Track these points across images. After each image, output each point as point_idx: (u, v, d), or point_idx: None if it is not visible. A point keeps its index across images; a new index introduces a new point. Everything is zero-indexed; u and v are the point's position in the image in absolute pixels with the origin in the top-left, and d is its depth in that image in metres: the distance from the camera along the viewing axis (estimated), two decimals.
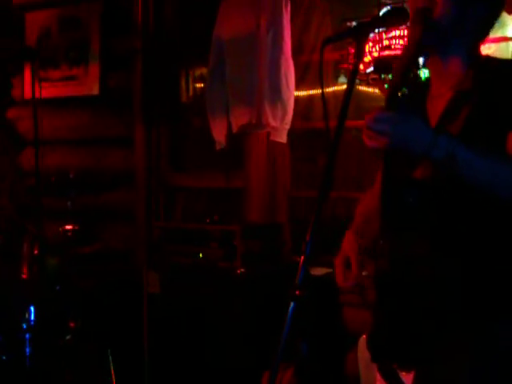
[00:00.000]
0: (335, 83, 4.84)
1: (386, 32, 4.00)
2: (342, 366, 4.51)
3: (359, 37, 2.11)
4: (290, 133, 4.70)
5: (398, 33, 4.03)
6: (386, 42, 4.04)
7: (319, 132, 4.94)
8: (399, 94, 2.24)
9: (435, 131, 2.07)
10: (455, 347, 2.21)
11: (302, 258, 1.99)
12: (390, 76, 4.06)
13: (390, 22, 2.19)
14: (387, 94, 2.30)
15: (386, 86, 4.15)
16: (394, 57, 3.94)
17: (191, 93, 5.67)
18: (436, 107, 2.29)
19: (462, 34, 2.25)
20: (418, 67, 2.42)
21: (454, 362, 2.21)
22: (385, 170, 2.41)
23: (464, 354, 2.19)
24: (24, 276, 4.51)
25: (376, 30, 3.86)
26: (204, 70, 5.37)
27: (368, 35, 2.14)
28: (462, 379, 2.18)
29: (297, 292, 1.95)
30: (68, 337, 4.64)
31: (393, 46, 4.01)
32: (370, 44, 3.95)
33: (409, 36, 2.38)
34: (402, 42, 4.01)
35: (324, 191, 2.02)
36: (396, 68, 2.30)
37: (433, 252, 2.19)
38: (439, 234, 2.20)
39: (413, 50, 2.25)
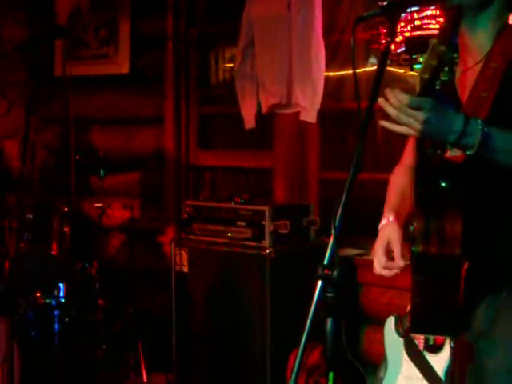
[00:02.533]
0: (366, 63, 4.81)
1: (417, 12, 3.96)
2: (358, 344, 4.54)
3: (392, 15, 2.09)
4: (320, 113, 4.68)
5: (429, 13, 3.99)
6: (417, 22, 4.00)
7: (349, 112, 4.92)
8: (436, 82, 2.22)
9: (466, 118, 2.06)
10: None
11: (331, 237, 1.99)
12: (421, 57, 4.03)
13: (423, 0, 2.18)
14: (422, 79, 2.28)
15: (416, 66, 4.13)
16: (426, 37, 3.91)
17: (221, 73, 5.66)
18: (465, 82, 2.29)
19: (488, 6, 2.24)
20: (455, 50, 2.39)
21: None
22: (418, 153, 2.39)
23: None
24: (53, 252, 4.55)
25: (408, 10, 3.83)
26: (233, 51, 5.36)
27: (401, 14, 2.13)
28: None
29: (325, 271, 1.95)
30: (97, 314, 4.68)
31: (424, 26, 3.97)
32: (402, 24, 3.91)
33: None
34: (433, 22, 3.97)
35: (354, 172, 2.01)
36: (428, 60, 2.28)
37: (467, 234, 2.20)
38: (473, 217, 2.20)
39: (445, 45, 2.24)
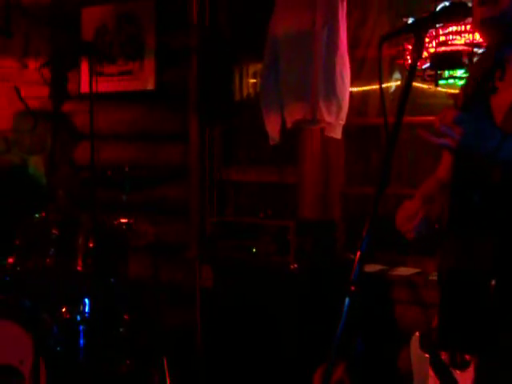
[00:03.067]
0: (390, 79, 4.81)
1: (442, 28, 3.96)
2: (395, 362, 4.50)
3: (419, 32, 2.10)
4: (345, 129, 4.68)
5: (454, 28, 3.99)
6: (442, 38, 4.00)
7: (373, 128, 4.92)
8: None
9: (503, 133, 2.06)
10: None
11: (358, 254, 1.99)
12: (447, 72, 4.03)
13: (450, 17, 2.18)
14: (460, 100, 2.27)
15: (440, 81, 4.12)
16: (451, 52, 3.90)
17: (245, 89, 5.67)
18: (500, 101, 2.28)
19: None
20: (493, 80, 2.38)
21: None
22: (454, 167, 2.39)
23: None
24: (79, 268, 4.57)
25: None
26: (258, 67, 5.38)
27: (428, 30, 2.14)
28: None
29: (352, 288, 1.95)
30: (122, 329, 4.69)
31: (449, 42, 3.97)
32: (427, 40, 3.91)
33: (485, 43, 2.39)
34: (458, 37, 3.97)
35: (381, 187, 2.01)
36: (472, 76, 2.28)
37: (498, 251, 2.18)
38: (505, 233, 2.18)
39: (490, 63, 2.25)
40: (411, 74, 2.18)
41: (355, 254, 1.99)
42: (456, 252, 2.27)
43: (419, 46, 2.13)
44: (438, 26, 3.86)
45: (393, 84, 4.79)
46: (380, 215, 2.07)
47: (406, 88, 2.13)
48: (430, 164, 2.86)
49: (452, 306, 2.33)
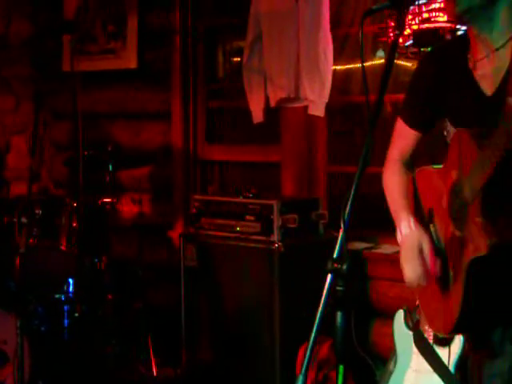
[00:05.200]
0: (374, 57, 4.80)
1: (425, 4, 3.95)
2: (367, 338, 4.54)
3: (401, 8, 2.09)
4: (328, 107, 4.68)
5: (437, 5, 3.97)
6: (425, 15, 3.98)
7: (356, 106, 4.92)
8: None
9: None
10: None
11: (340, 231, 1.99)
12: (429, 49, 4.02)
13: None
14: None
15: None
16: (434, 29, 3.89)
17: (228, 67, 5.67)
18: (483, 70, 2.29)
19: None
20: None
21: None
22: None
23: None
24: (63, 248, 4.56)
25: (416, 2, 3.81)
26: (241, 45, 5.36)
27: (409, 7, 2.13)
28: None
29: (334, 265, 1.95)
30: (106, 309, 4.69)
31: (433, 19, 3.96)
32: (410, 17, 3.90)
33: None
34: (441, 14, 3.95)
35: (362, 166, 2.01)
36: None
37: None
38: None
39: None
40: (393, 50, 2.18)
41: (338, 232, 2.00)
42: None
43: (401, 23, 2.12)
44: (421, 2, 3.86)
45: (376, 62, 4.79)
46: (365, 194, 2.07)
47: (387, 65, 2.12)
48: None
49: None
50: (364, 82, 2.18)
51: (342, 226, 1.98)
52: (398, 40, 2.15)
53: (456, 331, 2.44)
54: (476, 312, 2.22)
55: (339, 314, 1.98)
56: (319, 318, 1.93)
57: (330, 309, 1.96)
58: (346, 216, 1.98)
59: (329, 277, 1.96)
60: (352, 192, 1.99)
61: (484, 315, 2.25)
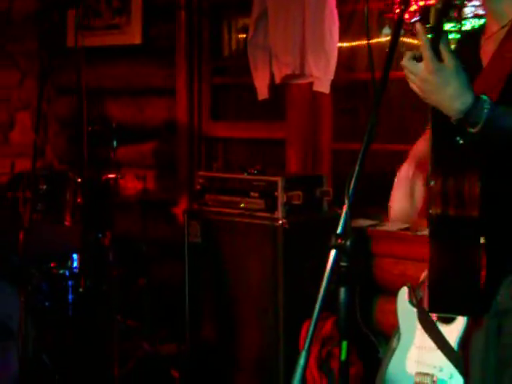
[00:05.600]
0: (379, 34, 4.78)
1: None
2: (370, 314, 4.55)
3: None
4: (333, 84, 4.66)
5: None
6: None
7: (361, 83, 4.90)
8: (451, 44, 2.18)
9: (475, 96, 2.06)
10: None
11: (344, 207, 1.99)
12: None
13: None
14: (432, 23, 2.24)
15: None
16: None
17: (233, 44, 5.65)
18: (488, 48, 2.28)
19: None
20: None
21: None
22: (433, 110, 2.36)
23: None
24: (67, 223, 4.56)
25: None
26: (246, 21, 5.34)
27: None
28: None
29: (338, 240, 1.95)
30: (110, 284, 4.70)
31: None
32: None
33: None
34: None
35: (367, 142, 2.01)
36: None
37: (483, 193, 2.17)
38: (490, 175, 2.17)
39: None
40: (398, 27, 2.16)
41: (342, 209, 1.99)
42: (442, 198, 2.24)
43: None
44: None
45: (382, 39, 4.76)
46: (369, 171, 2.06)
47: (392, 42, 2.11)
48: (420, 119, 2.84)
49: (441, 261, 2.31)
50: (370, 59, 2.17)
51: (346, 202, 1.98)
52: (403, 16, 2.14)
53: (432, 310, 2.49)
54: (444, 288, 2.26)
55: (343, 290, 1.98)
56: (323, 294, 1.93)
57: (334, 285, 1.96)
58: (350, 192, 1.98)
59: (332, 252, 1.96)
60: (356, 168, 1.99)
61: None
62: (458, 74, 2.07)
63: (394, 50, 2.08)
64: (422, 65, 2.08)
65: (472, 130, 2.08)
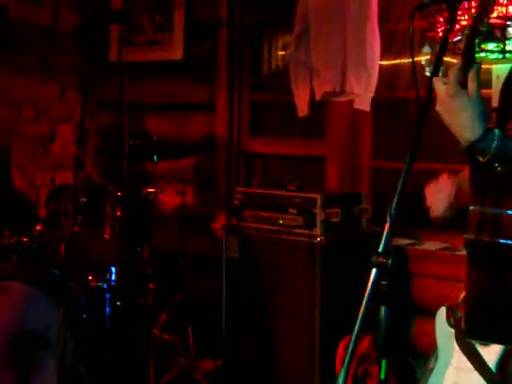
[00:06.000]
0: (420, 53, 4.76)
1: (475, 0, 3.91)
2: (408, 334, 4.52)
3: (453, 2, 2.07)
4: (373, 101, 4.66)
5: None
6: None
7: (401, 102, 4.89)
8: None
9: (486, 128, 2.06)
10: None
11: (386, 225, 1.98)
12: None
13: None
14: (462, 50, 2.24)
15: None
16: None
17: (273, 60, 5.66)
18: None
19: None
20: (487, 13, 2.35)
21: None
22: None
23: None
24: (106, 236, 4.59)
25: None
26: (286, 39, 5.36)
27: (461, 1, 2.11)
28: None
29: (379, 259, 1.95)
30: (147, 298, 4.71)
31: None
32: (459, 12, 3.86)
33: None
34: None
35: (410, 160, 2.01)
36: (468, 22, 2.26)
37: None
38: None
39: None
40: (442, 46, 2.16)
41: (382, 227, 1.99)
42: (478, 223, 2.23)
43: (452, 18, 2.10)
44: None
45: (422, 58, 4.75)
46: (409, 190, 2.06)
47: (437, 61, 2.11)
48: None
49: (478, 287, 2.29)
50: (414, 77, 2.17)
51: (388, 220, 1.98)
52: (447, 36, 2.14)
53: (470, 336, 2.47)
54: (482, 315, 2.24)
55: (383, 309, 1.98)
56: (363, 312, 1.93)
57: (374, 303, 1.96)
58: (392, 210, 1.98)
59: (373, 271, 1.95)
60: (399, 186, 1.98)
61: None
62: (475, 103, 2.07)
63: (438, 69, 2.08)
64: (444, 87, 2.08)
65: (481, 159, 2.08)
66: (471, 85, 2.06)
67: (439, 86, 2.09)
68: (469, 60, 2.09)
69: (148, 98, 5.80)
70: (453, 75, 2.06)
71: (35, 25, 6.10)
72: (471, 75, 2.07)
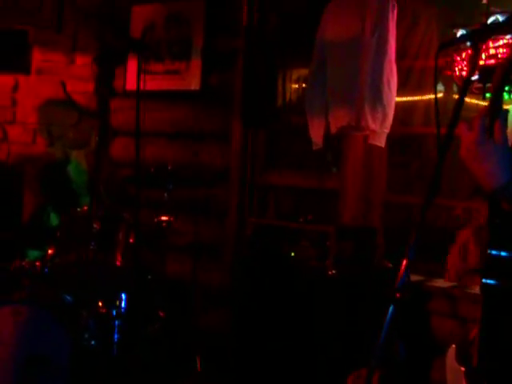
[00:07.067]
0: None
1: (493, 40, 3.94)
2: (429, 372, 4.48)
3: (477, 42, 2.08)
4: (388, 137, 4.68)
5: (504, 41, 3.97)
6: (492, 51, 3.98)
7: (415, 138, 4.91)
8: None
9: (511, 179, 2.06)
10: None
11: (405, 261, 1.99)
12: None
13: (511, 28, 2.16)
14: (490, 98, 2.25)
15: (488, 95, 4.10)
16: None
17: (289, 93, 5.69)
18: None
19: None
20: None
21: None
22: None
23: None
24: (118, 263, 4.60)
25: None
26: (301, 72, 5.39)
27: (486, 40, 2.12)
28: None
29: (397, 295, 1.95)
30: (157, 326, 4.71)
31: (499, 55, 3.96)
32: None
33: None
34: (507, 51, 3.95)
35: (430, 196, 2.01)
36: (497, 70, 2.25)
37: None
38: None
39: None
40: (466, 85, 2.18)
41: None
42: (495, 268, 2.22)
43: (476, 58, 2.12)
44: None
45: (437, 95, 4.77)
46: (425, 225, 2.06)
47: (459, 100, 2.12)
48: (468, 176, 2.83)
49: (491, 333, 2.27)
50: (436, 114, 2.18)
51: (406, 256, 1.98)
52: (472, 75, 2.15)
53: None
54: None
55: (399, 345, 1.98)
56: (380, 349, 1.93)
57: (388, 339, 1.96)
58: (411, 247, 1.98)
59: (391, 307, 1.95)
60: (419, 222, 1.99)
61: None
62: (501, 151, 2.06)
63: (460, 107, 2.10)
64: (470, 134, 2.08)
65: (506, 207, 2.08)
66: (498, 133, 2.06)
67: (465, 131, 2.08)
68: (496, 107, 2.09)
69: (163, 127, 5.82)
70: (479, 122, 2.06)
71: (54, 50, 6.17)
72: (498, 123, 2.06)
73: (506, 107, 2.12)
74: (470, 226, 2.88)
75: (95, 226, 4.57)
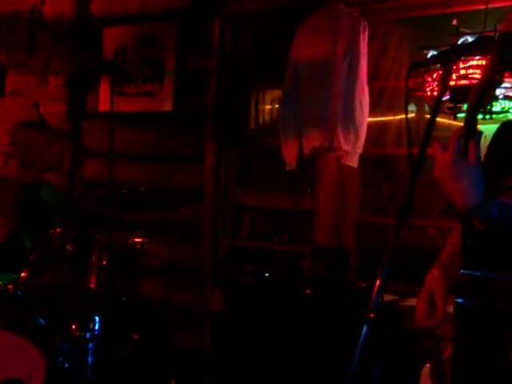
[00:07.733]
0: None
1: (463, 61, 3.99)
2: None
3: (448, 63, 2.10)
4: (361, 158, 4.70)
5: (475, 62, 4.01)
6: (462, 72, 4.02)
7: (385, 158, 4.93)
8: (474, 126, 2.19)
9: (485, 196, 2.07)
10: None
11: (378, 281, 2.00)
12: (465, 105, 4.04)
13: (481, 49, 2.18)
14: (465, 119, 2.28)
15: (460, 115, 4.14)
16: (471, 86, 3.92)
17: (262, 114, 5.70)
18: None
19: None
20: (494, 86, 2.39)
21: None
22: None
23: None
24: (91, 285, 4.57)
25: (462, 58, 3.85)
26: (275, 93, 5.41)
27: (457, 61, 2.15)
28: None
29: (371, 315, 1.95)
30: (131, 348, 4.68)
31: (470, 76, 4.00)
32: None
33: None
34: (478, 71, 3.99)
35: (404, 217, 2.03)
36: (472, 91, 2.27)
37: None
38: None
39: (489, 70, 2.22)
40: (437, 105, 2.20)
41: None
42: (471, 289, 2.23)
43: (447, 78, 2.14)
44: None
45: (408, 116, 4.80)
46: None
47: (430, 120, 2.14)
48: (440, 195, 2.86)
49: (466, 354, 2.28)
50: (408, 135, 2.19)
51: (380, 277, 1.99)
52: (442, 96, 2.17)
53: None
54: None
55: (373, 365, 1.98)
56: (354, 369, 1.93)
57: (363, 360, 1.96)
58: (384, 267, 1.99)
59: (364, 327, 1.96)
60: (393, 243, 2.00)
61: None
62: (475, 172, 2.08)
63: (432, 128, 2.11)
64: (445, 154, 2.10)
65: (478, 227, 2.10)
66: (472, 153, 2.08)
67: (440, 152, 2.10)
68: (470, 128, 2.11)
69: (135, 148, 5.81)
70: (454, 142, 2.07)
71: (26, 72, 6.15)
72: (473, 144, 2.08)
73: (479, 128, 2.14)
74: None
75: (68, 247, 4.54)
